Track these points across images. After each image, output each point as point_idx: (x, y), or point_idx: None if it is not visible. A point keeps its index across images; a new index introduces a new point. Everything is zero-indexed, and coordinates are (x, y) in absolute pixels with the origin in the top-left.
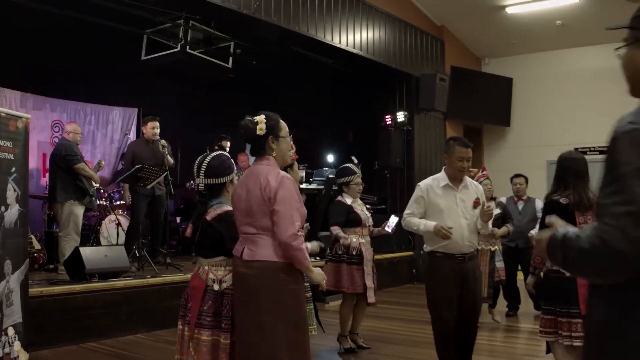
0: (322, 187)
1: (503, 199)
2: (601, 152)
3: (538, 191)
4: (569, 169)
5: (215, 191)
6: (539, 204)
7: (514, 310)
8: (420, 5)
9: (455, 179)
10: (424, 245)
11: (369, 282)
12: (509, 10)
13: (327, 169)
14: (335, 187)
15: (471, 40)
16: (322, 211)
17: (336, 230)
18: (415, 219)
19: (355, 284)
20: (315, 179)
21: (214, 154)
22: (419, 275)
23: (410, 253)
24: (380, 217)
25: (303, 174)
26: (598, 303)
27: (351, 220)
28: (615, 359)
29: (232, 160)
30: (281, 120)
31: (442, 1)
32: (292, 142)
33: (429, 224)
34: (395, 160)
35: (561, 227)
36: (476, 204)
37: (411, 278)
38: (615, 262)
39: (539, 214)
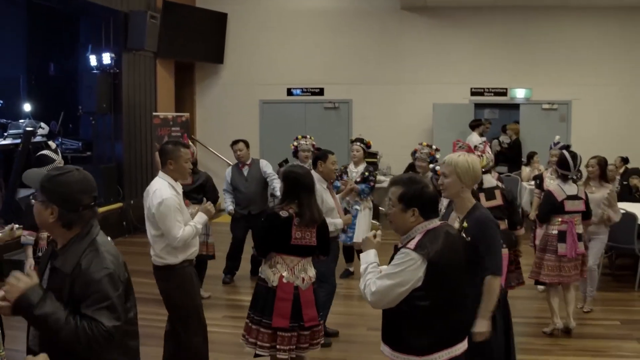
0: (18, 141)
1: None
2: (313, 93)
3: (252, 132)
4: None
5: None
6: (264, 163)
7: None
8: None
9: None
10: None
11: None
12: None
13: (23, 120)
14: (34, 139)
15: None
16: (20, 168)
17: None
18: None
19: None
20: (11, 132)
21: None
22: (131, 227)
23: (120, 204)
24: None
25: None
26: None
27: None
28: None
29: None
30: None
31: None
32: None
33: None
34: (102, 106)
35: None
36: None
37: (122, 231)
38: None
39: (266, 175)
